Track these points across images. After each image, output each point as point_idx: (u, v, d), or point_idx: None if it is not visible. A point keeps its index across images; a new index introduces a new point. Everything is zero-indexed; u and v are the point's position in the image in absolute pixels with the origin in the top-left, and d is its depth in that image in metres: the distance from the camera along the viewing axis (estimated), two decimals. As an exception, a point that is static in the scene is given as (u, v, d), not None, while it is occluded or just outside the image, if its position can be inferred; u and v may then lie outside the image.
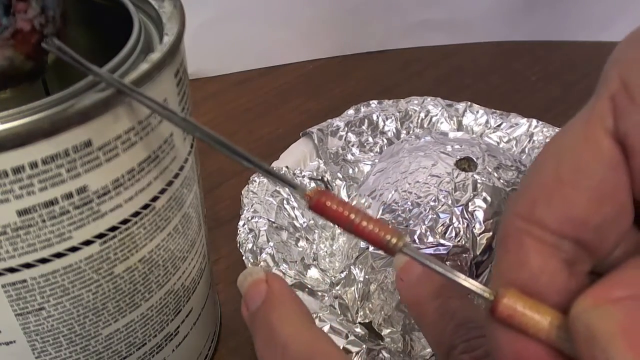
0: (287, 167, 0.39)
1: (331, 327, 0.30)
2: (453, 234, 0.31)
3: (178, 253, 0.25)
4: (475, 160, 0.33)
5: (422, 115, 0.44)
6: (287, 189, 0.38)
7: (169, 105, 0.21)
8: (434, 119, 0.44)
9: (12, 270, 0.19)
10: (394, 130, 0.43)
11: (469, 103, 0.45)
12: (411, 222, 0.32)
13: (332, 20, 0.57)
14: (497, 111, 0.44)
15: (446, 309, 0.24)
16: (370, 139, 0.43)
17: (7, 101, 0.25)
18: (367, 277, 0.32)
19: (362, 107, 0.45)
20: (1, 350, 0.21)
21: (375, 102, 0.45)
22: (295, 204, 0.38)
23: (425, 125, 0.44)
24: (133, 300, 0.23)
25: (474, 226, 0.31)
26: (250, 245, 0.34)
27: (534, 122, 0.43)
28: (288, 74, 0.57)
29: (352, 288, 0.33)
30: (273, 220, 0.36)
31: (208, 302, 0.30)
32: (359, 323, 0.32)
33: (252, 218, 0.35)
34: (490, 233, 0.31)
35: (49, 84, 0.28)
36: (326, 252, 0.37)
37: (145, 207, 0.21)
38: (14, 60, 0.20)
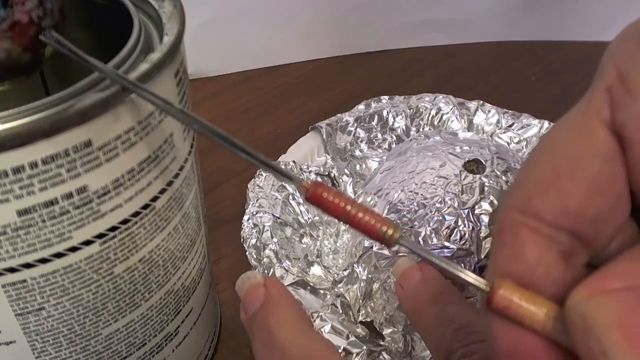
0: (294, 161, 0.39)
1: (332, 327, 0.30)
2: (458, 237, 0.30)
3: (178, 253, 0.25)
4: (483, 162, 0.33)
5: (433, 112, 0.44)
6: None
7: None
8: (444, 117, 0.44)
9: (12, 270, 0.19)
10: (404, 127, 0.43)
11: (481, 102, 0.44)
12: (416, 223, 0.31)
13: (332, 20, 0.57)
14: (509, 111, 0.44)
15: (445, 314, 0.24)
16: (380, 135, 0.43)
17: (5, 97, 0.25)
18: (370, 276, 0.32)
19: (372, 103, 0.44)
20: (1, 350, 0.21)
21: (386, 97, 0.45)
22: (300, 200, 0.38)
23: (435, 123, 0.43)
24: (133, 300, 0.23)
25: (480, 229, 0.30)
26: (254, 241, 0.34)
27: (546, 123, 0.42)
28: (288, 74, 0.57)
29: (355, 286, 0.33)
30: (278, 215, 0.36)
31: (208, 302, 0.30)
32: (360, 322, 0.32)
33: (256, 213, 0.35)
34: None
35: (49, 84, 0.28)
36: (330, 249, 0.37)
37: (145, 207, 0.21)
38: (12, 52, 0.20)
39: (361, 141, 0.42)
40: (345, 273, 0.33)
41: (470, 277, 0.16)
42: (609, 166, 0.15)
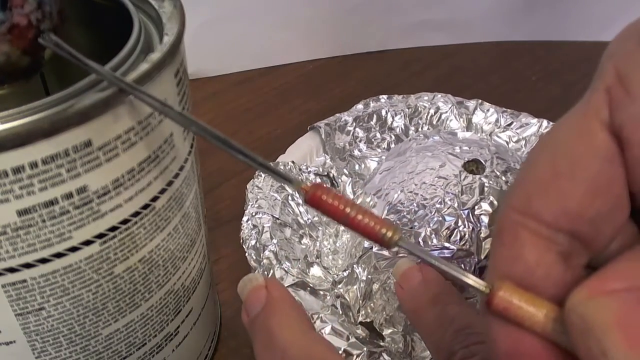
0: (293, 162, 0.39)
1: (332, 328, 0.30)
2: (458, 238, 0.30)
3: (178, 253, 0.25)
4: (483, 162, 0.33)
5: (432, 111, 0.44)
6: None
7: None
8: (443, 116, 0.43)
9: (12, 270, 0.19)
10: (402, 127, 0.43)
11: (480, 101, 0.44)
12: (416, 223, 0.31)
13: (332, 20, 0.57)
14: (508, 110, 0.44)
15: (445, 315, 0.24)
16: (378, 135, 0.43)
17: (5, 99, 0.25)
18: (369, 276, 0.32)
19: (371, 102, 0.44)
20: (1, 350, 0.21)
21: (385, 97, 0.45)
22: (299, 201, 0.38)
23: (434, 123, 0.43)
24: (133, 300, 0.23)
25: (480, 230, 0.30)
26: (253, 242, 0.34)
27: (545, 122, 0.42)
28: (288, 74, 0.57)
29: (355, 287, 0.33)
30: (277, 216, 0.36)
31: (208, 302, 0.30)
32: (360, 323, 0.32)
33: (256, 214, 0.35)
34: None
35: (49, 84, 0.28)
36: (329, 249, 0.37)
37: (145, 207, 0.21)
38: (11, 56, 0.20)
39: (360, 141, 0.42)
40: (345, 274, 0.33)
41: (469, 278, 0.16)
42: (608, 167, 0.15)
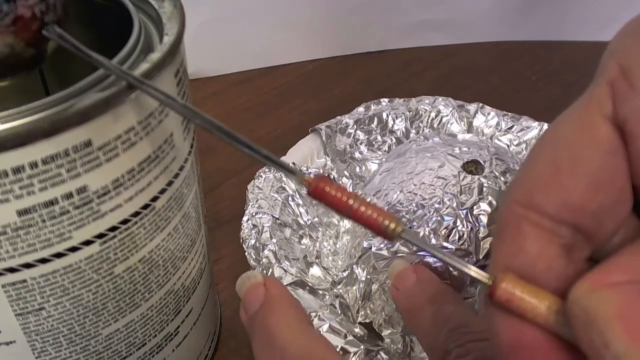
0: (293, 163, 0.39)
1: (330, 326, 0.30)
2: (456, 237, 0.30)
3: (178, 253, 0.25)
4: (482, 163, 0.33)
5: (433, 115, 0.44)
6: (292, 185, 0.38)
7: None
8: (444, 120, 0.44)
9: (12, 270, 0.19)
10: (403, 130, 0.43)
11: (481, 104, 0.44)
12: (415, 223, 0.31)
13: (332, 20, 0.57)
14: (509, 113, 0.44)
15: (440, 314, 0.24)
16: (379, 138, 0.43)
17: (5, 98, 0.25)
18: (369, 277, 0.32)
19: (372, 105, 0.44)
20: (1, 350, 0.21)
21: (386, 100, 0.45)
22: (300, 201, 0.38)
23: (435, 126, 0.44)
24: (133, 300, 0.23)
25: (478, 230, 0.30)
26: (253, 242, 0.34)
27: (546, 125, 0.42)
28: (288, 74, 0.57)
29: (354, 287, 0.33)
30: (277, 216, 0.36)
31: (208, 302, 0.30)
32: (359, 323, 0.32)
33: (256, 214, 0.35)
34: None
35: (49, 84, 0.28)
36: (329, 250, 0.37)
37: (145, 207, 0.21)
38: (15, 47, 0.20)
39: (361, 143, 0.42)
40: (345, 274, 0.33)
41: (472, 270, 0.16)
42: (610, 160, 0.15)
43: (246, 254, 0.33)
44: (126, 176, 0.20)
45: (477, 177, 0.32)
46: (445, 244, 0.30)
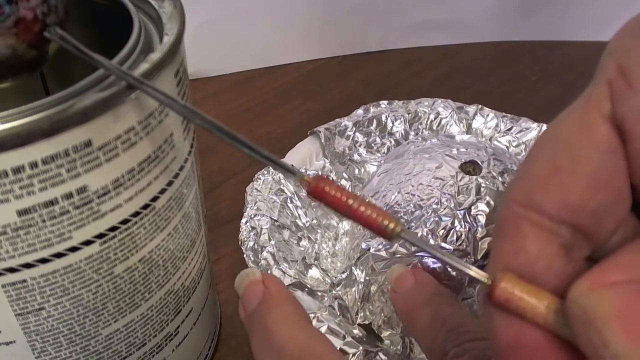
0: (292, 165, 0.39)
1: (329, 327, 0.30)
2: (454, 238, 0.30)
3: (178, 253, 0.25)
4: (480, 163, 0.33)
5: (432, 117, 0.44)
6: (291, 187, 0.38)
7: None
8: (443, 121, 0.44)
9: (12, 270, 0.19)
10: (402, 132, 0.43)
11: (480, 106, 0.44)
12: (413, 224, 0.31)
13: (332, 20, 0.57)
14: (508, 115, 0.44)
15: (438, 315, 0.24)
16: (378, 140, 0.43)
17: (5, 97, 0.25)
18: (367, 278, 0.32)
19: (371, 107, 0.44)
20: (1, 350, 0.21)
21: (385, 102, 0.45)
22: (298, 203, 0.38)
23: (434, 128, 0.44)
24: (133, 300, 0.23)
25: (476, 230, 0.30)
26: (251, 244, 0.34)
27: (545, 126, 0.42)
28: (288, 74, 0.57)
29: (353, 289, 0.33)
30: (275, 218, 0.36)
31: (208, 302, 0.30)
32: (359, 324, 0.32)
33: (254, 216, 0.35)
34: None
35: (49, 84, 0.28)
36: (328, 252, 0.37)
37: (145, 207, 0.21)
38: (17, 49, 0.20)
39: (360, 145, 0.42)
40: (344, 276, 0.33)
41: (471, 270, 0.16)
42: (609, 160, 0.15)
43: (245, 256, 0.33)
44: (126, 176, 0.20)
45: (474, 177, 0.32)
46: (443, 244, 0.30)
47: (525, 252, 0.15)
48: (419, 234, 0.31)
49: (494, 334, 0.16)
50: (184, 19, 0.22)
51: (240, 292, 0.21)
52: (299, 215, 0.37)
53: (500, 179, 0.32)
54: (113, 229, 0.21)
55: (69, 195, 0.19)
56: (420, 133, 0.43)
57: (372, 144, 0.42)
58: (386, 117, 0.43)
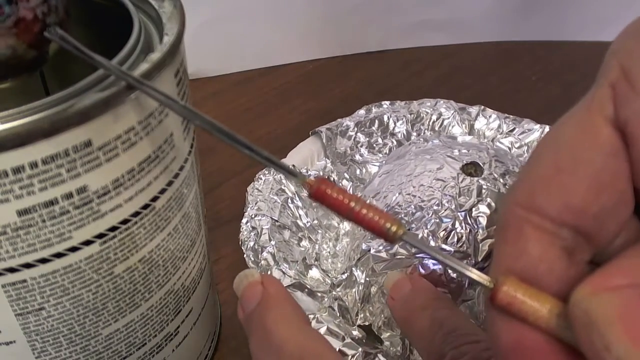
0: (293, 165, 0.39)
1: (328, 329, 0.30)
2: (455, 239, 0.30)
3: (178, 253, 0.25)
4: (481, 165, 0.33)
5: (434, 117, 0.44)
6: (292, 187, 0.38)
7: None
8: (445, 122, 0.44)
9: (12, 270, 0.19)
10: (404, 132, 0.43)
11: (482, 107, 0.44)
12: (413, 225, 0.31)
13: (332, 20, 0.57)
14: (510, 116, 0.44)
15: (435, 319, 0.24)
16: (380, 140, 0.43)
17: (5, 97, 0.25)
18: (368, 279, 0.32)
19: (373, 108, 0.44)
20: (1, 350, 0.21)
21: (387, 103, 0.45)
22: (299, 203, 0.38)
23: (436, 128, 0.44)
24: (133, 300, 0.23)
25: (477, 232, 0.30)
26: (251, 244, 0.34)
27: (547, 128, 0.42)
28: (288, 74, 0.57)
29: (353, 290, 0.33)
30: (276, 218, 0.36)
31: (208, 302, 0.30)
32: (359, 326, 0.32)
33: (255, 216, 0.35)
34: (493, 239, 0.30)
35: (49, 84, 0.28)
36: (329, 252, 0.37)
37: (145, 207, 0.21)
38: (17, 49, 0.20)
39: (361, 146, 0.42)
40: (344, 276, 0.33)
41: (473, 273, 0.16)
42: (612, 162, 0.15)
43: (245, 256, 0.33)
44: (126, 176, 0.20)
45: (476, 179, 0.32)
46: (443, 246, 0.30)
47: (527, 255, 0.15)
48: (420, 236, 0.31)
49: (495, 337, 0.16)
50: (184, 19, 0.22)
51: (239, 293, 0.21)
52: (299, 215, 0.37)
53: (501, 180, 0.32)
54: (113, 229, 0.21)
55: (69, 195, 0.19)
56: (422, 134, 0.43)
57: (374, 145, 0.42)
58: (388, 117, 0.43)
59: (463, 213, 0.31)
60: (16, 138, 0.17)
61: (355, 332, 0.31)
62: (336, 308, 0.32)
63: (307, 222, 0.37)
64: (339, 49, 0.59)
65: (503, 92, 0.53)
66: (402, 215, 0.32)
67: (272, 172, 0.38)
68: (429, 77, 0.56)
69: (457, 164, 0.33)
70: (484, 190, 0.31)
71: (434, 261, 0.30)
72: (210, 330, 0.31)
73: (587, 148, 0.15)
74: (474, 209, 0.31)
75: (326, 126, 0.42)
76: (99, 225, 0.20)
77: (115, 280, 0.22)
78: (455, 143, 0.37)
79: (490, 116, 0.44)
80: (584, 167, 0.15)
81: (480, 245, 0.30)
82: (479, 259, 0.30)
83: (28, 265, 0.19)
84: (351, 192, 0.40)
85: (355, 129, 0.42)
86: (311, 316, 0.30)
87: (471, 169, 0.33)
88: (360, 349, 0.29)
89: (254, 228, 0.35)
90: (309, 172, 0.40)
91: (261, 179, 0.38)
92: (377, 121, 0.43)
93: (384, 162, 0.40)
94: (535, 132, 0.43)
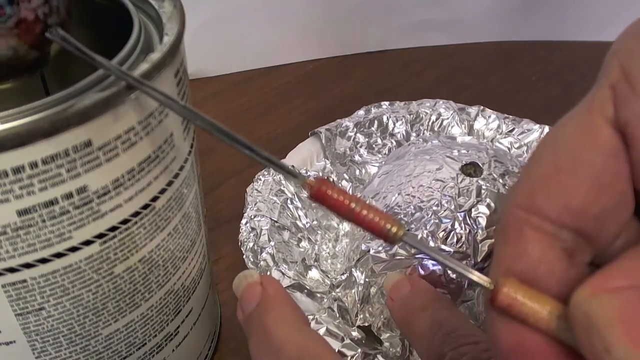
0: (293, 166, 0.39)
1: (327, 329, 0.30)
2: (454, 240, 0.30)
3: (178, 253, 0.25)
4: (481, 165, 0.33)
5: (433, 118, 0.44)
6: (291, 188, 0.38)
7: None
8: (445, 122, 0.44)
9: (12, 270, 0.19)
10: (404, 133, 0.43)
11: (482, 107, 0.44)
12: (413, 226, 0.31)
13: (332, 20, 0.57)
14: (510, 116, 0.44)
15: (434, 320, 0.24)
16: (379, 141, 0.43)
17: (6, 97, 0.25)
18: (367, 280, 0.32)
19: (372, 108, 0.44)
20: (1, 350, 0.21)
21: (387, 103, 0.45)
22: (298, 204, 0.38)
23: (435, 129, 0.44)
24: (133, 300, 0.23)
25: (476, 232, 0.30)
26: (251, 244, 0.34)
27: (547, 128, 0.42)
28: (288, 74, 0.57)
29: (353, 291, 0.33)
30: (276, 219, 0.36)
31: (208, 302, 0.30)
32: (358, 326, 0.32)
33: (254, 217, 0.35)
34: (493, 240, 0.30)
35: (49, 84, 0.28)
36: (328, 253, 0.37)
37: (145, 207, 0.21)
38: (18, 50, 0.20)
39: (361, 146, 0.42)
40: (343, 277, 0.33)
41: (473, 275, 0.16)
42: (612, 163, 0.15)
43: (244, 257, 0.33)
44: (126, 176, 0.20)
45: (475, 179, 0.32)
46: (443, 246, 0.30)
47: (527, 257, 0.15)
48: (419, 236, 0.31)
49: (495, 338, 0.16)
50: (184, 19, 0.22)
51: (239, 294, 0.21)
52: (299, 216, 0.37)
53: (501, 181, 0.32)
54: (113, 229, 0.21)
55: (69, 195, 0.19)
56: (421, 134, 0.43)
57: (373, 145, 0.42)
58: (387, 118, 0.43)
59: (462, 213, 0.31)
60: (16, 138, 0.17)
61: (354, 333, 0.31)
62: (335, 309, 0.32)
63: (307, 222, 0.37)
64: (339, 49, 0.59)
65: (503, 92, 0.53)
66: (402, 216, 0.32)
67: (271, 173, 0.38)
68: (429, 77, 0.56)
69: (456, 165, 0.33)
70: (483, 191, 0.31)
71: (433, 262, 0.30)
72: (210, 330, 0.31)
73: (587, 149, 0.15)
74: (473, 210, 0.31)
75: (325, 127, 0.42)
76: (99, 225, 0.20)
77: (115, 280, 0.22)
78: (455, 143, 0.37)
79: (489, 116, 0.44)
80: (584, 168, 0.15)
81: (480, 245, 0.30)
82: (479, 260, 0.30)
83: (28, 265, 0.19)
84: (351, 193, 0.40)
85: (355, 129, 0.42)
86: (310, 317, 0.30)
87: (470, 169, 0.33)
88: (359, 350, 0.29)
89: (253, 229, 0.35)
90: (309, 173, 0.40)
91: (260, 179, 0.38)
92: (376, 122, 0.43)
93: (383, 162, 0.40)
94: (535, 132, 0.43)
